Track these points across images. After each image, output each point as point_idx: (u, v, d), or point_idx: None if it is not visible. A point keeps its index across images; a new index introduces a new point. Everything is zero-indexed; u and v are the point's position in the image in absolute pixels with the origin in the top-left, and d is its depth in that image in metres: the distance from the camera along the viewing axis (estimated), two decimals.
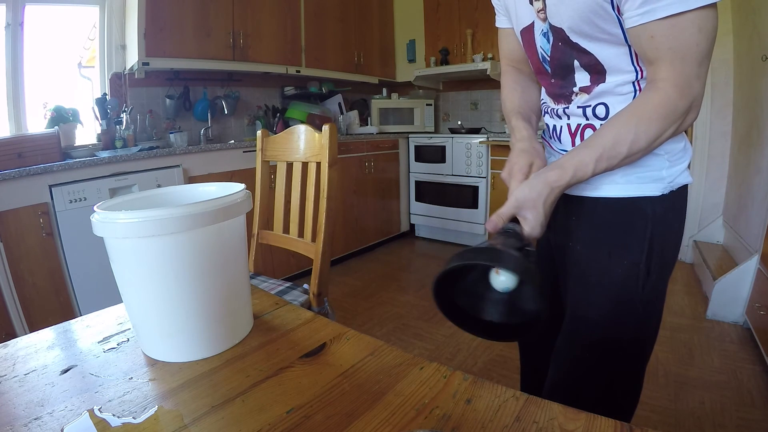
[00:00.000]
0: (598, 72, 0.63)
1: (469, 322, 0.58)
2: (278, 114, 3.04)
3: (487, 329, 0.58)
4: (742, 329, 1.91)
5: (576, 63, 0.64)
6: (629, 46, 0.59)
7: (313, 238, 1.09)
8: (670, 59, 0.52)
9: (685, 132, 0.63)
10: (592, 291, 0.70)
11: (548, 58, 0.68)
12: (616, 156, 0.57)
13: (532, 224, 0.59)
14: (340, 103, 3.46)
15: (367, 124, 3.60)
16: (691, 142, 0.69)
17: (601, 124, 0.66)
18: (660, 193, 0.65)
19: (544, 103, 0.78)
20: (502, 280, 0.54)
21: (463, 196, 3.23)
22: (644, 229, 0.65)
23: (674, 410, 1.40)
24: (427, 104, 3.65)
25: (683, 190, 0.67)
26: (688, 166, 0.67)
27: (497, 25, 0.82)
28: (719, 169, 2.67)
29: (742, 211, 2.28)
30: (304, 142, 1.13)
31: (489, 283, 0.56)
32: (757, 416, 1.35)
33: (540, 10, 0.64)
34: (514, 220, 0.61)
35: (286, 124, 2.97)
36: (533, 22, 0.67)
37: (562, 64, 0.66)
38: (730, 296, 1.96)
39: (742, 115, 2.44)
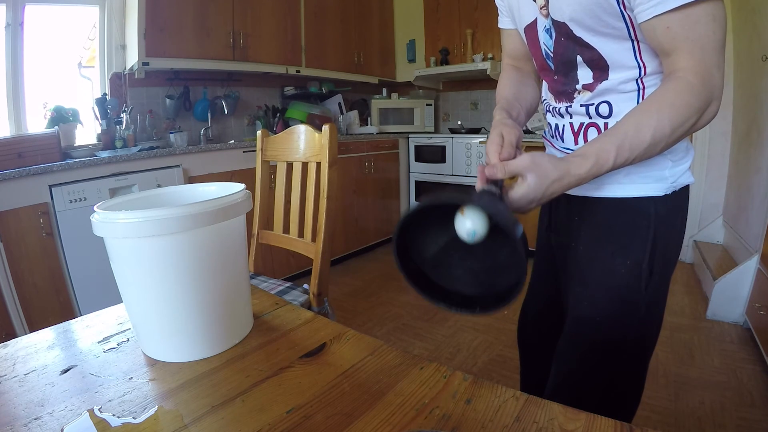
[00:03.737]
0: (600, 68, 0.63)
1: (436, 293, 0.54)
2: (278, 114, 3.04)
3: (456, 301, 0.54)
4: (742, 329, 1.91)
5: (579, 58, 0.64)
6: (632, 41, 0.59)
7: (313, 238, 1.09)
8: (689, 49, 0.52)
9: None
10: (594, 291, 0.69)
11: (551, 54, 0.68)
12: (639, 144, 0.54)
13: (526, 189, 0.54)
14: (340, 103, 3.46)
15: (367, 124, 3.60)
16: (691, 142, 0.69)
17: (605, 123, 0.65)
18: (663, 193, 0.65)
19: (545, 101, 0.77)
20: (467, 225, 0.49)
21: None
22: (647, 229, 0.65)
23: (674, 410, 1.40)
24: (427, 104, 3.65)
25: (685, 190, 0.67)
26: (690, 167, 0.67)
27: (500, 26, 0.83)
28: (719, 169, 2.67)
29: (742, 211, 2.28)
30: (304, 142, 1.13)
31: (460, 249, 0.52)
32: (757, 416, 1.35)
33: (542, 6, 0.64)
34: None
35: (286, 124, 2.97)
36: (536, 19, 0.67)
37: (564, 59, 0.66)
38: (730, 296, 1.96)
39: (742, 114, 2.44)
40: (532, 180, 0.54)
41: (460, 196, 0.50)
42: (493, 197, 0.53)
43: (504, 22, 0.81)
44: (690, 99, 0.52)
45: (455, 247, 0.53)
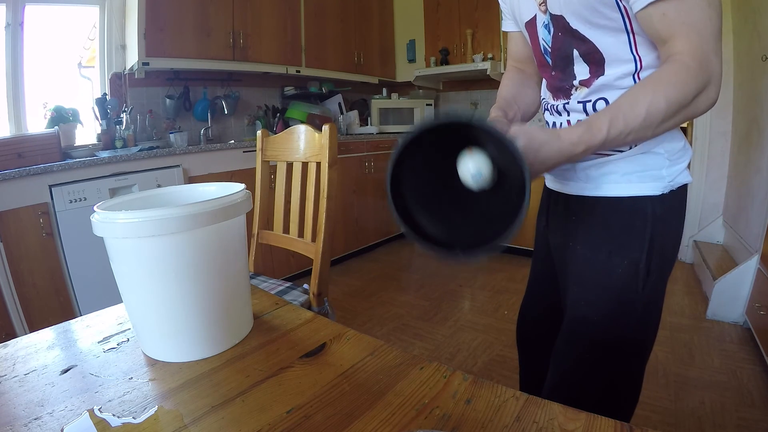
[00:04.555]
0: (596, 62, 0.63)
1: (425, 238, 0.53)
2: (278, 114, 3.04)
3: (445, 247, 0.53)
4: (742, 329, 1.91)
5: (575, 52, 0.64)
6: (628, 33, 0.59)
7: (313, 238, 1.09)
8: (686, 33, 0.52)
9: (684, 132, 0.62)
10: (592, 291, 0.69)
11: (549, 49, 0.69)
12: (634, 117, 0.53)
13: None
14: (340, 103, 3.46)
15: (367, 124, 3.60)
16: (690, 143, 0.68)
17: None
18: (660, 193, 0.65)
19: (544, 99, 0.78)
20: (470, 167, 0.48)
21: None
22: (644, 228, 0.65)
23: (674, 410, 1.40)
24: (427, 104, 3.65)
25: (683, 189, 0.67)
26: (688, 166, 0.67)
27: (503, 29, 0.85)
28: (719, 169, 2.67)
29: (742, 211, 2.28)
30: (304, 142, 1.13)
31: (453, 200, 0.51)
32: (757, 416, 1.35)
33: (541, 3, 0.66)
34: None
35: (286, 124, 2.97)
36: (535, 15, 0.68)
37: (562, 54, 0.66)
38: (730, 296, 1.96)
39: (742, 115, 2.44)
40: (520, 143, 0.54)
41: (468, 115, 0.47)
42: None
43: (508, 25, 0.83)
44: (687, 78, 0.52)
45: (449, 198, 0.54)
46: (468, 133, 0.52)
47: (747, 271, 1.89)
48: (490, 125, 0.48)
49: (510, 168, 0.51)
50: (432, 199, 0.56)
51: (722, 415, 1.36)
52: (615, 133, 0.54)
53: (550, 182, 0.81)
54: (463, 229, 0.56)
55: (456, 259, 0.51)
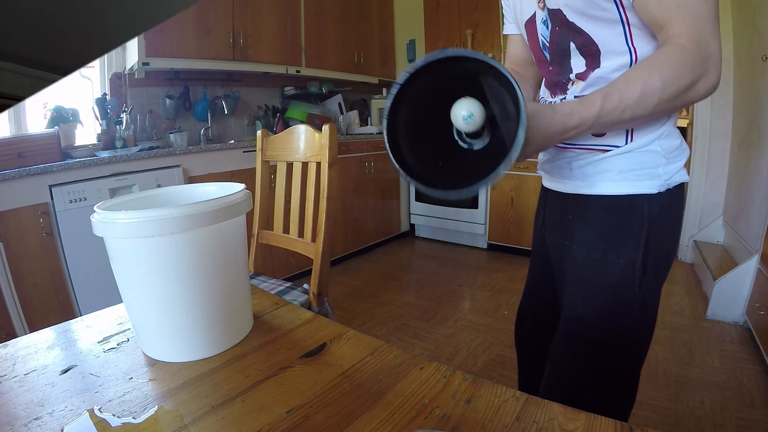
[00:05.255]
0: (592, 55, 0.63)
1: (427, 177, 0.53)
2: (278, 114, 3.04)
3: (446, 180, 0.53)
4: (742, 329, 1.91)
5: (572, 45, 0.65)
6: (623, 25, 0.60)
7: (313, 238, 1.09)
8: (682, 17, 0.52)
9: (684, 132, 0.62)
10: (588, 290, 0.69)
11: (547, 44, 0.69)
12: (629, 95, 0.53)
13: None
14: (340, 103, 3.46)
15: (367, 124, 3.60)
16: (690, 143, 0.69)
17: None
18: (656, 191, 0.65)
19: (542, 98, 0.79)
20: (462, 112, 0.48)
21: None
22: (640, 227, 0.65)
23: (674, 410, 1.40)
24: None
25: (680, 188, 0.67)
26: (686, 166, 0.67)
27: (504, 32, 0.86)
28: (719, 169, 2.67)
29: (742, 211, 2.28)
30: (304, 142, 1.13)
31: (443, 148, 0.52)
32: (757, 416, 1.35)
33: (539, 0, 0.67)
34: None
35: (286, 124, 2.97)
36: (534, 13, 0.70)
37: (559, 48, 0.67)
38: (730, 296, 1.96)
39: (742, 115, 2.44)
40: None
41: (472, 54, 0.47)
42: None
43: (509, 28, 0.84)
44: (682, 59, 0.52)
45: (437, 142, 0.55)
46: (472, 86, 0.52)
47: (747, 271, 1.89)
48: (499, 64, 0.47)
49: (503, 127, 0.52)
50: (421, 137, 0.56)
51: (722, 415, 1.36)
52: (609, 107, 0.54)
53: (547, 181, 0.81)
54: (443, 173, 0.56)
55: (430, 191, 0.52)
